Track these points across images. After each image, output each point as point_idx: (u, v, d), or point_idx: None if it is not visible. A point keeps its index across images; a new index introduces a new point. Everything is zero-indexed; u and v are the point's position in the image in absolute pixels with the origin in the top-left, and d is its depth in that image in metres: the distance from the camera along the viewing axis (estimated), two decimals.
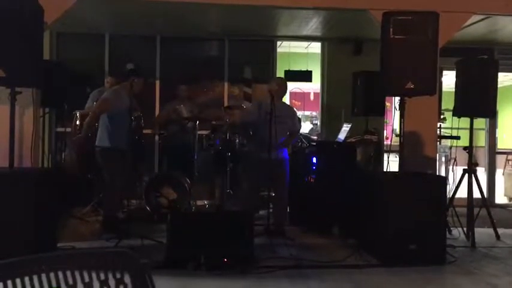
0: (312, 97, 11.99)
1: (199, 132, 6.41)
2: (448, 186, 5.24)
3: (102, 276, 1.33)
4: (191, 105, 7.03)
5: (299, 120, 8.61)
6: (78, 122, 6.00)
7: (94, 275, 1.32)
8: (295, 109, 6.22)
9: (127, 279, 1.36)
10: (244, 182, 5.94)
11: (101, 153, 5.34)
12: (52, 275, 1.25)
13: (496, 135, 8.95)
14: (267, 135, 5.09)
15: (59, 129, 7.44)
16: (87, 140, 5.50)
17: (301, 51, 9.50)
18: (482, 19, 6.37)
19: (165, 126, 6.92)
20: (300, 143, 6.58)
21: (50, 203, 4.50)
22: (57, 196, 4.74)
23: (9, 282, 1.21)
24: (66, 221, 5.70)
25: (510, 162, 11.00)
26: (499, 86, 5.52)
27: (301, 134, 7.30)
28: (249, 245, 4.37)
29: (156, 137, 7.47)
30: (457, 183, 5.67)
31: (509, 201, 8.69)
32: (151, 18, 6.88)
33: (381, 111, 6.41)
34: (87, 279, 1.30)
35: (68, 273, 1.28)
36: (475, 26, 6.68)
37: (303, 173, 6.06)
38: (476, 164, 8.00)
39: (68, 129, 6.55)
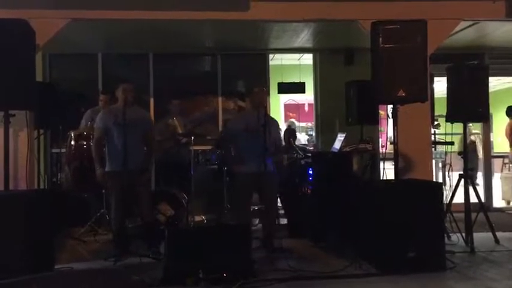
0: (306, 108, 12.02)
1: (195, 147, 6.39)
2: (444, 191, 5.26)
3: None
4: (185, 120, 7.03)
5: (294, 131, 8.65)
6: (73, 142, 5.99)
7: None
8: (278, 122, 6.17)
9: None
10: (236, 197, 5.83)
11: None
12: None
13: (491, 139, 8.98)
14: (253, 146, 5.08)
15: (54, 150, 7.43)
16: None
17: (293, 63, 9.53)
18: (471, 25, 6.43)
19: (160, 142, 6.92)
20: (295, 154, 6.58)
21: (47, 224, 4.48)
22: (53, 217, 4.71)
23: None
24: (63, 242, 5.67)
25: (507, 165, 11.00)
26: (492, 90, 5.58)
27: (297, 146, 7.31)
28: (247, 258, 4.35)
29: None
30: (453, 188, 5.68)
31: (507, 204, 8.68)
32: (143, 36, 6.91)
33: (374, 120, 6.43)
34: None
35: None
36: (465, 32, 6.73)
37: (300, 184, 6.04)
38: (472, 169, 8.02)
39: (63, 150, 6.53)
